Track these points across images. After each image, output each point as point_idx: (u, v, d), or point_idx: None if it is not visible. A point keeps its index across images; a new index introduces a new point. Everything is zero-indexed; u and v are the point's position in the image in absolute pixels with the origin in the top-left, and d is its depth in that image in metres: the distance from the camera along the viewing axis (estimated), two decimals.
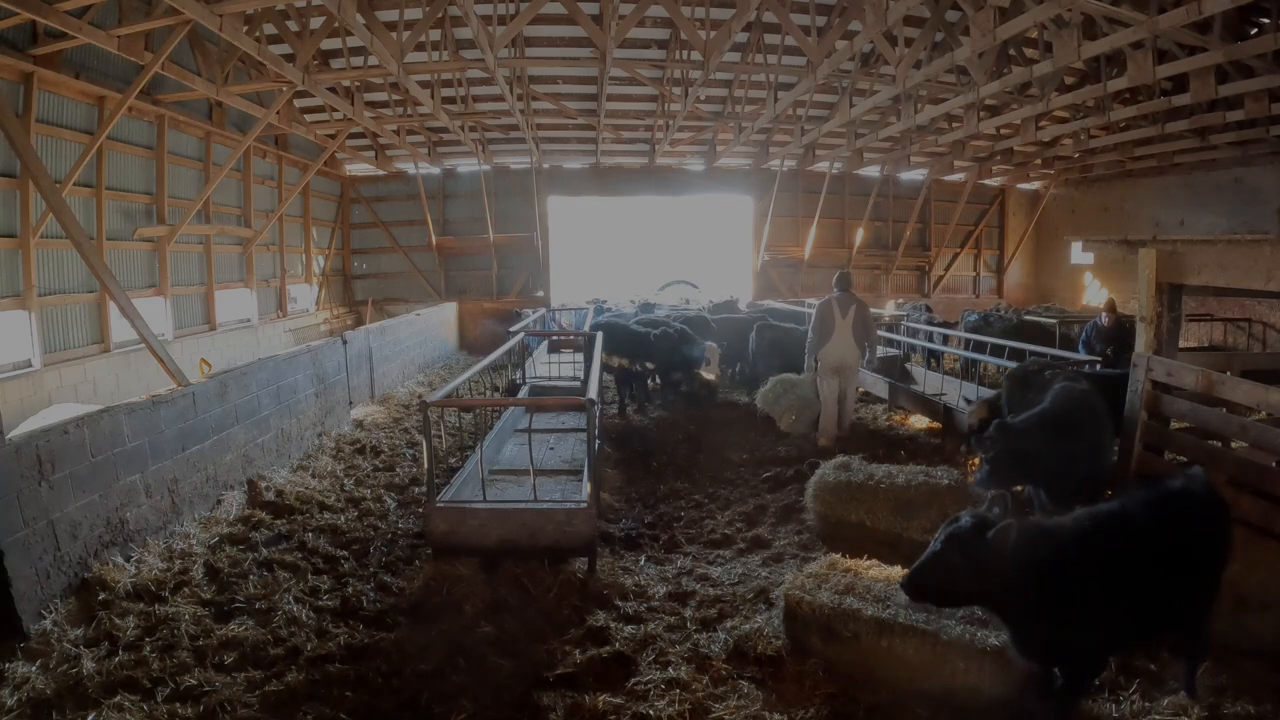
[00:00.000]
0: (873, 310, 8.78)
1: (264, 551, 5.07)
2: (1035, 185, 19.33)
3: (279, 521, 5.68)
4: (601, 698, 3.41)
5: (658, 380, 9.85)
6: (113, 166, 9.38)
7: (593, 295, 16.51)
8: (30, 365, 8.12)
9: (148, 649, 3.79)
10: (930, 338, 11.07)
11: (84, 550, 4.47)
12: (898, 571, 4.04)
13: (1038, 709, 3.26)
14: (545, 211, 17.50)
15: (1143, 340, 5.31)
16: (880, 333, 11.04)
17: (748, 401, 9.89)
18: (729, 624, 4.12)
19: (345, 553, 5.14)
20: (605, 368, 8.56)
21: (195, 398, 5.77)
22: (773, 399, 8.39)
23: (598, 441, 5.74)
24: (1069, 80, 10.30)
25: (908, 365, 10.82)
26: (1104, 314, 9.00)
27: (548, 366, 10.71)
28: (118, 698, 3.38)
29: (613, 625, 4.11)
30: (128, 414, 4.99)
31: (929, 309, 14.25)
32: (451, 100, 13.15)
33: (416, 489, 6.47)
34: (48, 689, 3.44)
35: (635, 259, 18.86)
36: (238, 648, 3.85)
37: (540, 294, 17.61)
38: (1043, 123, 11.83)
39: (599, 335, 8.39)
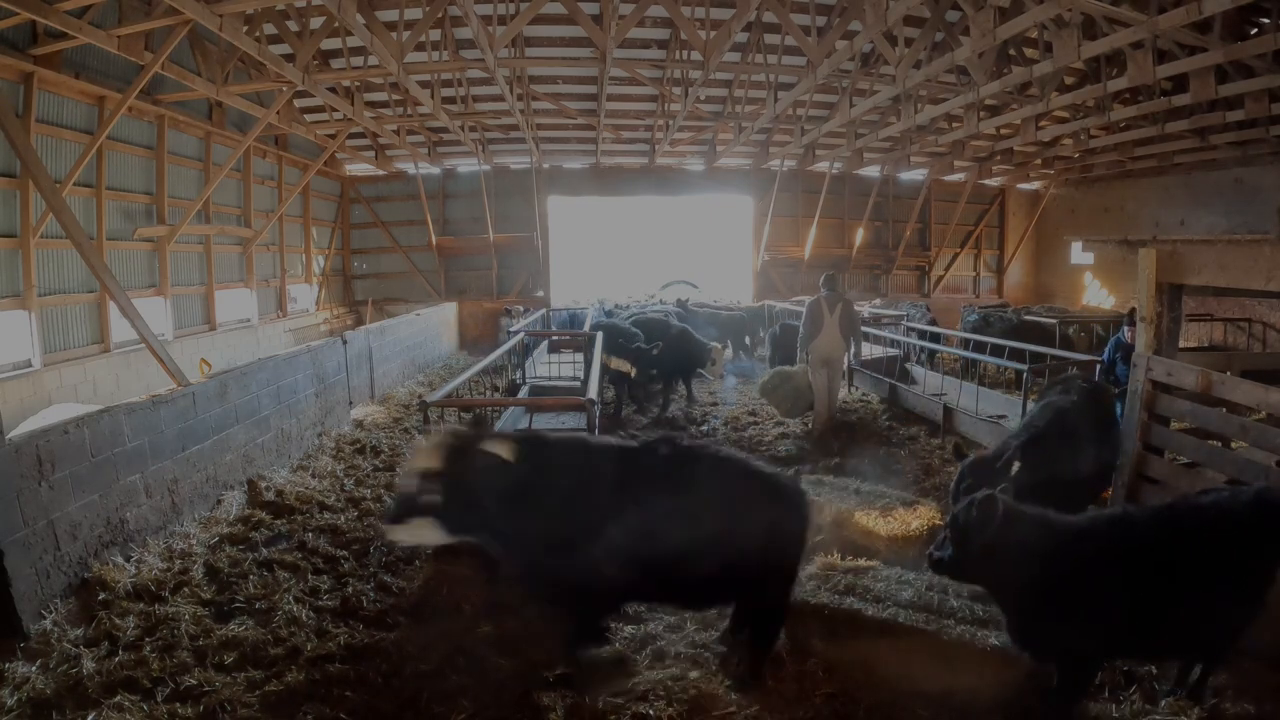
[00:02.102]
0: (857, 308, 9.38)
1: (264, 551, 5.06)
2: (1035, 185, 19.33)
3: (279, 521, 5.68)
4: (601, 698, 3.41)
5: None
6: (113, 166, 9.38)
7: (593, 296, 16.49)
8: (30, 365, 8.12)
9: (148, 649, 3.78)
10: (925, 338, 11.05)
11: (84, 550, 4.47)
12: (898, 571, 4.05)
13: (1037, 709, 3.27)
14: (545, 211, 17.50)
15: (1143, 340, 5.30)
16: (879, 332, 11.15)
17: (746, 401, 9.95)
18: (729, 624, 4.12)
19: (345, 553, 5.13)
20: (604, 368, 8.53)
21: (195, 398, 5.77)
22: (771, 388, 8.72)
23: None
24: (1069, 80, 10.31)
25: (908, 365, 10.83)
26: (1126, 328, 7.19)
27: (548, 366, 10.71)
28: (118, 698, 3.38)
29: (612, 625, 4.10)
30: (128, 414, 4.98)
31: (928, 309, 14.26)
32: (451, 100, 13.15)
33: None
34: (48, 689, 3.44)
35: (635, 259, 18.85)
36: (238, 648, 3.84)
37: (540, 294, 17.61)
38: (1043, 123, 11.83)
39: (599, 335, 8.39)
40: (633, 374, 9.21)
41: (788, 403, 8.61)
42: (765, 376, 8.99)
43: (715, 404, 10.16)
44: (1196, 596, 3.05)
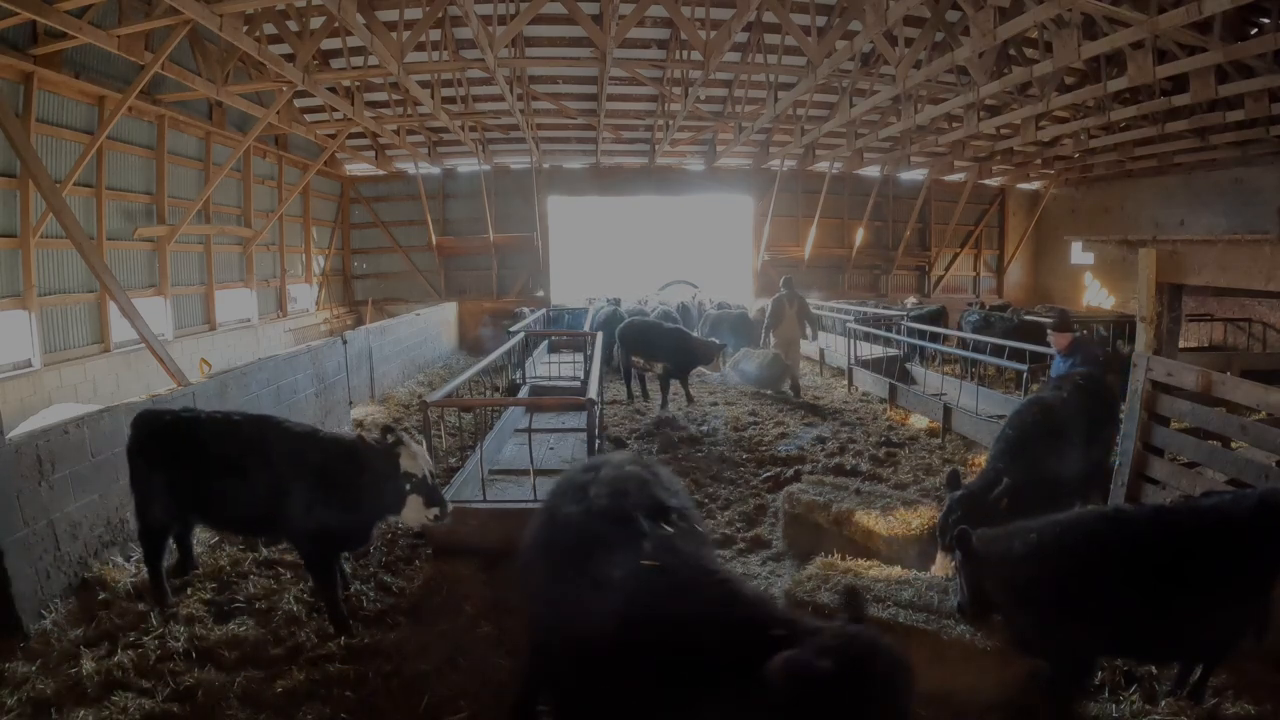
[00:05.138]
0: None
1: (264, 551, 5.06)
2: (1035, 185, 19.33)
3: None
4: None
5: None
6: (113, 166, 9.38)
7: (590, 296, 16.49)
8: (30, 365, 8.12)
9: (147, 648, 3.79)
10: (923, 337, 11.06)
11: (84, 550, 4.47)
12: (898, 571, 4.05)
13: (1037, 709, 3.27)
14: (545, 211, 17.50)
15: (1143, 340, 5.31)
16: (880, 332, 11.21)
17: (745, 401, 9.97)
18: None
19: (345, 553, 5.13)
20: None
21: (195, 398, 5.76)
22: (745, 365, 10.71)
23: (598, 441, 5.74)
24: (1069, 80, 10.30)
25: (908, 365, 10.83)
26: (1051, 333, 6.57)
27: (548, 366, 10.72)
28: (117, 697, 3.39)
29: None
30: (128, 414, 4.97)
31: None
32: (451, 100, 13.15)
33: None
34: (48, 689, 3.44)
35: (635, 259, 18.83)
36: (238, 648, 3.85)
37: (540, 294, 17.62)
38: (1043, 123, 11.83)
39: (599, 335, 8.40)
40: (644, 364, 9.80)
41: (761, 373, 10.49)
42: (741, 355, 10.96)
43: (715, 404, 10.16)
44: (1194, 599, 3.04)
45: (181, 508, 4.28)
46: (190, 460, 4.14)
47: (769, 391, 10.58)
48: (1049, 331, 6.64)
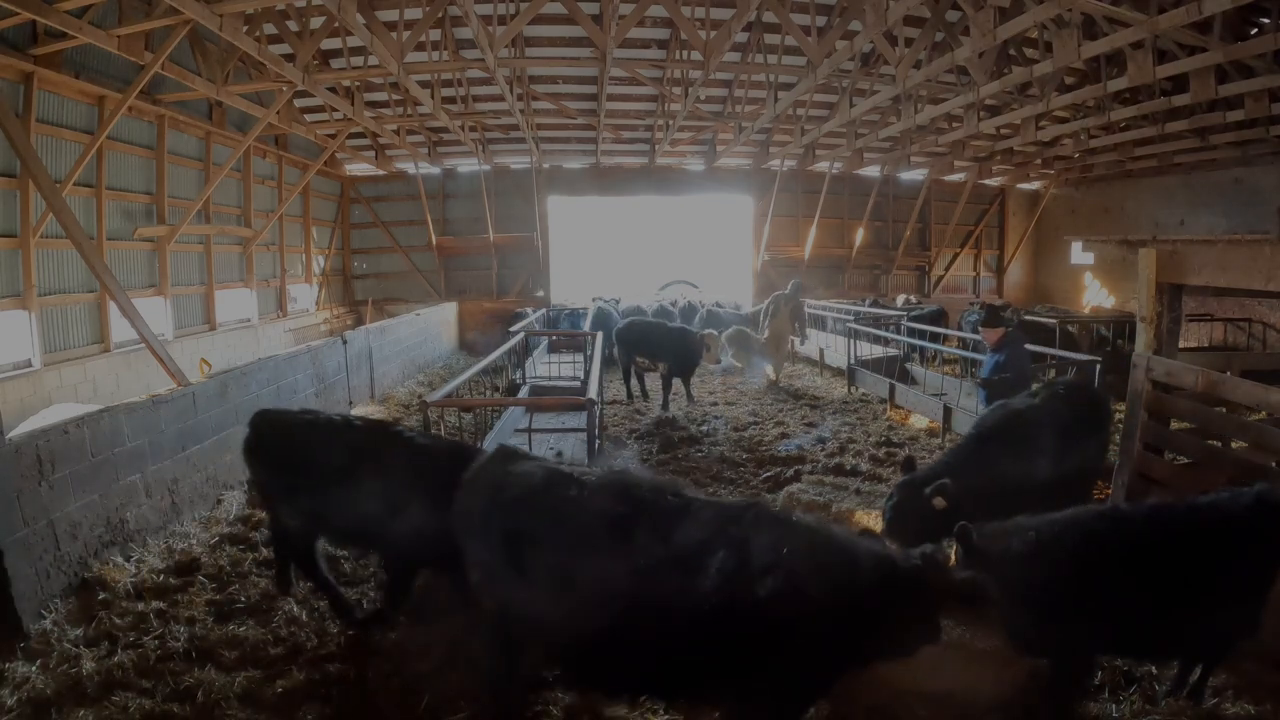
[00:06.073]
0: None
1: (264, 551, 5.05)
2: (1035, 185, 19.32)
3: None
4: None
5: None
6: (113, 166, 9.37)
7: (595, 295, 16.48)
8: (30, 365, 8.12)
9: (148, 648, 3.79)
10: (923, 337, 11.06)
11: (84, 550, 4.47)
12: None
13: (1037, 709, 3.27)
14: (545, 211, 17.50)
15: (1143, 340, 5.31)
16: (879, 331, 11.23)
17: (745, 401, 9.97)
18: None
19: (346, 552, 5.13)
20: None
21: (195, 398, 5.77)
22: (733, 346, 11.49)
23: (598, 441, 5.73)
24: (1069, 80, 10.30)
25: (908, 365, 10.83)
26: (980, 329, 6.74)
27: (548, 366, 10.72)
28: (117, 697, 3.39)
29: None
30: (128, 414, 4.99)
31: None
32: (451, 100, 13.15)
33: None
34: (48, 689, 3.44)
35: (635, 259, 18.82)
36: (238, 648, 3.85)
37: (540, 294, 17.62)
38: (1043, 123, 11.83)
39: (599, 335, 8.39)
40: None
41: (745, 356, 11.53)
42: (730, 332, 11.63)
43: (715, 404, 10.16)
44: (1192, 598, 3.04)
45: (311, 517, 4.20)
46: (316, 467, 4.03)
47: (737, 364, 11.75)
48: (979, 327, 6.73)
